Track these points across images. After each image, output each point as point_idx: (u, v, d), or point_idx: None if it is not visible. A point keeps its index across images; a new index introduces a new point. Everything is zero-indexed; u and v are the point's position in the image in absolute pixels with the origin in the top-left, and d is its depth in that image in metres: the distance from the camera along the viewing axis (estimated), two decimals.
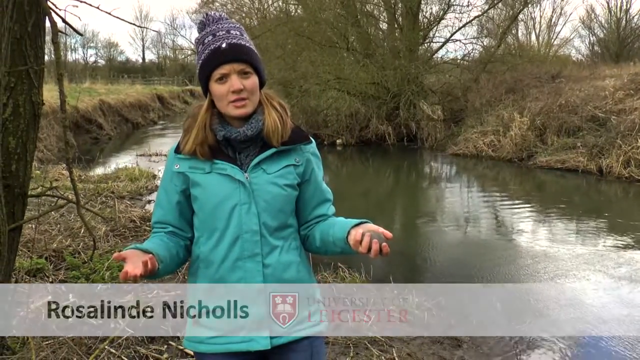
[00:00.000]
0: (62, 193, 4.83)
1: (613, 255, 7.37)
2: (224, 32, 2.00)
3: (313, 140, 2.16)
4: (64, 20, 3.03)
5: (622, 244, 7.89)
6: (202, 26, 2.06)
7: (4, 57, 2.42)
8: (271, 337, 1.99)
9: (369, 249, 1.80)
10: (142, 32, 74.26)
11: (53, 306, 4.28)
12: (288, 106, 2.13)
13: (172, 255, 2.02)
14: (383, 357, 4.17)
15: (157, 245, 1.98)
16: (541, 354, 4.76)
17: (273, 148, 2.02)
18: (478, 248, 8.00)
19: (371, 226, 1.88)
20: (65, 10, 3.21)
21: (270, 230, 2.01)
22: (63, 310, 4.31)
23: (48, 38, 3.11)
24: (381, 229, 1.84)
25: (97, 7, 3.39)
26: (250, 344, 1.98)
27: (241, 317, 1.98)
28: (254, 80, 2.00)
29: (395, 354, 4.25)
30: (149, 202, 10.28)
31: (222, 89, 1.97)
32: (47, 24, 3.00)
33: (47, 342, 3.35)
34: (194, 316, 2.03)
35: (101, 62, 74.32)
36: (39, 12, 2.90)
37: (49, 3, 2.89)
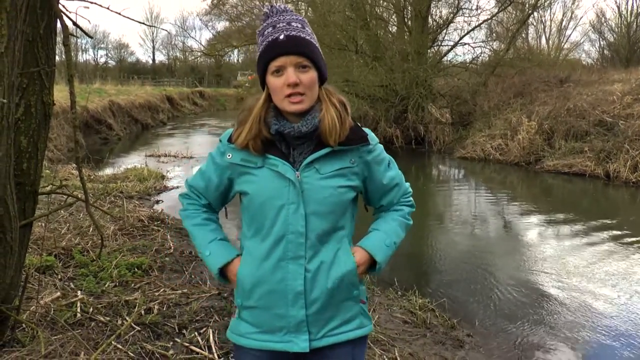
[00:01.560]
0: (72, 192, 4.91)
1: (619, 260, 7.38)
2: (284, 24, 1.93)
3: (373, 135, 2.07)
4: (74, 23, 3.11)
5: (629, 249, 7.90)
6: (265, 17, 2.00)
7: (17, 59, 2.49)
8: (310, 340, 1.97)
9: None
10: (153, 33, 74.71)
11: (62, 302, 4.38)
12: (349, 103, 2.06)
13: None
14: (385, 357, 4.21)
15: (230, 243, 2.10)
16: (544, 355, 4.79)
17: (328, 147, 1.95)
18: (484, 251, 8.03)
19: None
20: (76, 13, 3.29)
21: (317, 233, 1.95)
22: (71, 306, 4.41)
23: (59, 39, 3.19)
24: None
25: (107, 8, 3.48)
26: (288, 345, 1.97)
27: (279, 318, 1.96)
28: (311, 74, 1.92)
29: (397, 354, 4.30)
30: (157, 202, 10.38)
31: (277, 82, 1.90)
32: (58, 25, 3.09)
33: (55, 337, 3.43)
34: (236, 309, 2.06)
35: (112, 62, 74.84)
36: (50, 15, 2.98)
37: (60, 6, 2.98)
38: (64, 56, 3.05)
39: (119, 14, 3.55)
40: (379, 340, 4.51)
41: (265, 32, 1.95)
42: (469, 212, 10.97)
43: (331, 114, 1.94)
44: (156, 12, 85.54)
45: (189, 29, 65.88)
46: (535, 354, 4.81)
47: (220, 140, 2.07)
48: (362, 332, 2.06)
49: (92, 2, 3.40)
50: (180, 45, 69.13)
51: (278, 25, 1.93)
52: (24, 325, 3.57)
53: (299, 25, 1.94)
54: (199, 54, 40.85)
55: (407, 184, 2.21)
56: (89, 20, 3.54)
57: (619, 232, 8.82)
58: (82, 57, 71.92)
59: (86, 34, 3.28)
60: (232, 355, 4.06)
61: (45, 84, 3.05)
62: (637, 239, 8.39)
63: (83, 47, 69.96)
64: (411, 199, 2.22)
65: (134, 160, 15.65)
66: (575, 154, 14.69)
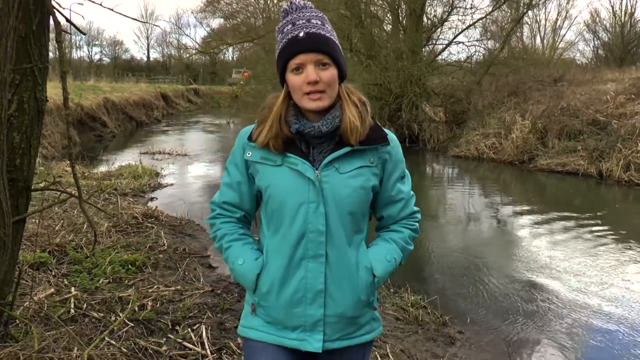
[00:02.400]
0: (65, 188, 4.92)
1: (610, 258, 7.43)
2: (304, 21, 1.91)
3: (393, 137, 2.06)
4: (67, 20, 3.12)
5: (619, 247, 7.96)
6: (284, 14, 1.98)
7: (10, 56, 2.51)
8: (324, 341, 1.96)
9: None
10: (147, 30, 74.61)
11: (56, 298, 4.40)
12: (369, 102, 2.03)
13: None
14: (377, 353, 4.24)
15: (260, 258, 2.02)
16: (532, 352, 4.83)
17: (348, 147, 1.93)
18: (476, 250, 8.06)
19: None
20: (70, 9, 3.30)
21: (337, 232, 1.94)
22: (65, 303, 4.43)
23: (52, 36, 3.21)
24: None
25: (100, 4, 3.49)
26: (302, 343, 1.96)
27: (296, 316, 1.96)
28: (332, 72, 1.90)
29: (389, 350, 4.33)
30: (151, 199, 10.39)
31: (297, 80, 1.89)
32: (51, 22, 3.10)
33: (49, 333, 3.44)
34: (252, 306, 2.04)
35: (106, 60, 74.65)
36: (43, 11, 2.99)
37: (53, 2, 2.99)
38: (57, 52, 3.06)
39: (112, 10, 3.56)
40: None
41: (285, 30, 1.93)
42: (462, 210, 11.02)
43: (352, 113, 1.92)
44: (151, 9, 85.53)
45: (183, 26, 65.77)
46: (525, 350, 4.86)
47: (240, 138, 2.06)
48: (373, 336, 2.09)
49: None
50: (175, 42, 69.16)
51: (298, 23, 1.91)
52: (17, 321, 3.59)
53: (319, 22, 1.92)
54: (194, 51, 40.86)
55: (417, 208, 2.17)
56: (82, 17, 3.54)
57: (611, 231, 8.87)
58: (76, 54, 71.76)
59: (79, 30, 3.30)
60: (224, 351, 4.09)
61: (38, 80, 3.07)
62: (628, 237, 8.45)
63: (77, 44, 69.72)
64: (417, 224, 2.17)
65: (128, 158, 15.64)
66: (568, 153, 14.77)
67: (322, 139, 1.95)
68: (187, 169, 14.57)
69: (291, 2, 1.97)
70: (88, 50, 76.57)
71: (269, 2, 33.22)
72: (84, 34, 3.23)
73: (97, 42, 73.95)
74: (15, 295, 3.25)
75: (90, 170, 12.96)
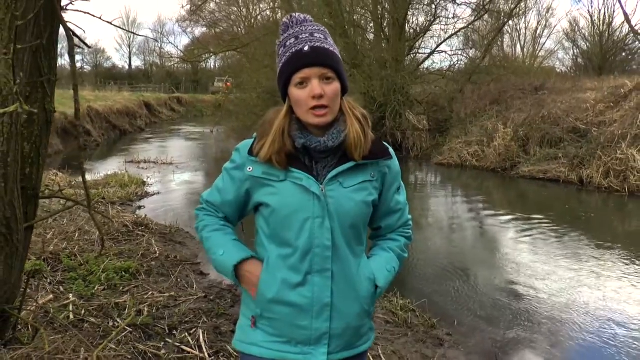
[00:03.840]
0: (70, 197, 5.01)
1: (590, 262, 7.64)
2: (307, 35, 1.91)
3: (393, 152, 2.08)
4: (75, 35, 3.24)
5: (599, 251, 8.16)
6: (285, 28, 1.97)
7: (25, 70, 2.63)
8: (329, 353, 1.96)
9: None
10: (129, 38, 74.34)
11: (55, 304, 4.49)
12: (370, 117, 2.04)
13: None
14: (370, 354, 4.37)
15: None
16: (518, 352, 4.99)
17: (352, 161, 1.94)
18: (461, 255, 8.24)
19: None
20: (73, 23, 3.41)
21: (341, 246, 1.94)
22: (64, 309, 4.52)
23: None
24: None
25: (90, 14, 3.60)
26: (306, 357, 1.96)
27: (302, 330, 1.95)
28: (336, 86, 1.90)
29: (380, 352, 4.47)
30: (139, 207, 10.47)
31: (302, 95, 1.88)
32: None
33: (54, 337, 3.54)
34: (252, 319, 2.02)
35: (87, 68, 74.22)
36: (53, 26, 3.12)
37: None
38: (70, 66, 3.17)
39: (100, 18, 3.66)
40: None
41: (288, 43, 1.92)
42: (446, 217, 11.20)
43: (356, 129, 1.92)
44: (133, 17, 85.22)
45: (167, 34, 65.67)
46: (512, 351, 5.01)
47: (239, 152, 2.04)
48: (369, 345, 2.13)
49: (85, 13, 3.53)
50: (158, 50, 69.03)
51: (301, 37, 1.90)
52: (19, 326, 3.69)
53: (322, 37, 1.93)
54: (177, 60, 40.79)
55: (410, 216, 2.23)
56: (84, 30, 3.66)
57: (591, 236, 9.10)
58: (59, 62, 71.27)
59: (85, 44, 3.42)
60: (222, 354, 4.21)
61: (47, 92, 3.18)
62: (608, 242, 8.66)
63: (60, 52, 69.37)
64: (411, 231, 2.23)
65: (113, 167, 15.66)
66: (549, 160, 15.02)
67: (326, 154, 1.95)
68: (173, 177, 14.62)
69: (291, 16, 1.97)
70: (69, 58, 75.96)
71: (251, 10, 33.45)
72: (89, 47, 3.35)
73: (79, 50, 73.68)
74: (24, 299, 3.36)
75: (76, 179, 12.98)
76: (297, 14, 1.99)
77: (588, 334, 5.38)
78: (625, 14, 13.60)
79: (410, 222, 2.24)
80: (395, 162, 2.09)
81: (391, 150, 2.07)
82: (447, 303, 6.15)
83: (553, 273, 7.18)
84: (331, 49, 1.92)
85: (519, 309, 5.98)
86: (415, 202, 13.32)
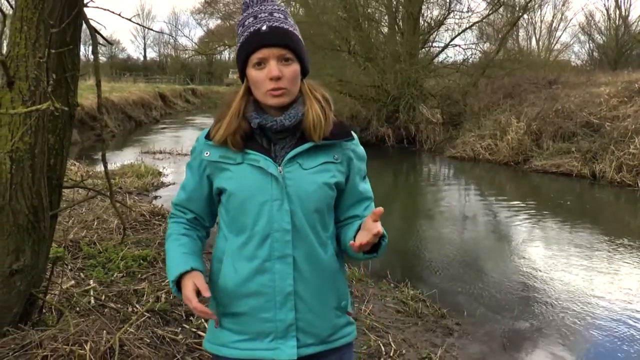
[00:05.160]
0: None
1: (602, 257, 7.70)
2: (266, 15, 1.83)
3: (356, 136, 2.00)
4: (97, 32, 3.39)
5: (611, 246, 8.21)
6: (245, 7, 1.90)
7: (52, 67, 2.77)
8: (298, 347, 1.86)
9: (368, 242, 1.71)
10: (144, 30, 74.68)
11: (76, 289, 4.66)
12: (331, 99, 1.97)
13: (201, 256, 1.98)
14: (379, 342, 4.50)
15: (201, 260, 1.93)
16: (526, 343, 5.09)
17: (311, 142, 1.86)
18: (472, 247, 8.34)
19: (370, 227, 1.71)
20: (96, 20, 3.55)
21: (304, 231, 1.84)
22: (85, 294, 4.69)
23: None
24: (375, 230, 1.68)
25: (109, 10, 3.74)
26: (275, 352, 1.85)
27: (266, 323, 1.86)
28: (294, 68, 1.83)
29: (391, 339, 4.59)
30: (156, 197, 10.64)
31: (259, 75, 1.81)
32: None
33: (75, 321, 3.70)
34: (216, 319, 1.92)
35: (102, 59, 74.64)
36: (76, 24, 3.26)
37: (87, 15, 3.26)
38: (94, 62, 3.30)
39: (119, 15, 3.79)
40: (374, 327, 4.81)
41: (246, 23, 1.86)
42: (458, 209, 11.28)
43: (315, 109, 1.86)
44: (148, 9, 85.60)
45: (181, 26, 65.95)
46: (520, 341, 5.12)
47: (197, 140, 1.99)
48: (348, 340, 2.00)
49: (106, 9, 3.67)
50: (173, 42, 69.30)
51: (260, 16, 1.83)
52: (44, 310, 3.85)
53: (282, 16, 1.86)
54: (192, 52, 40.98)
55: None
56: (104, 27, 3.80)
57: (603, 230, 9.14)
58: None
59: (107, 40, 3.56)
60: None
61: (70, 87, 3.33)
62: (620, 237, 8.70)
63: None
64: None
65: (129, 157, 15.85)
66: (562, 154, 15.01)
67: (283, 134, 1.88)
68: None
69: None
70: (84, 50, 76.72)
71: None
72: (111, 44, 3.49)
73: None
74: (49, 284, 3.52)
75: (93, 169, 13.18)
76: None
77: (599, 329, 5.41)
78: None
79: None
80: (360, 147, 2.02)
81: (354, 132, 2.01)
82: (458, 294, 6.26)
83: (565, 267, 7.24)
84: (291, 29, 1.85)
85: (530, 301, 6.07)
86: (428, 194, 13.44)
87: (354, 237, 1.82)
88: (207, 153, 1.91)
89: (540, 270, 7.04)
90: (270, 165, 1.82)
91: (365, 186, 2.03)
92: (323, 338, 1.91)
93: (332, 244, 1.94)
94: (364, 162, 2.03)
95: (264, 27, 1.80)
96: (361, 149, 2.02)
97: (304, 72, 1.91)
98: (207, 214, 2.03)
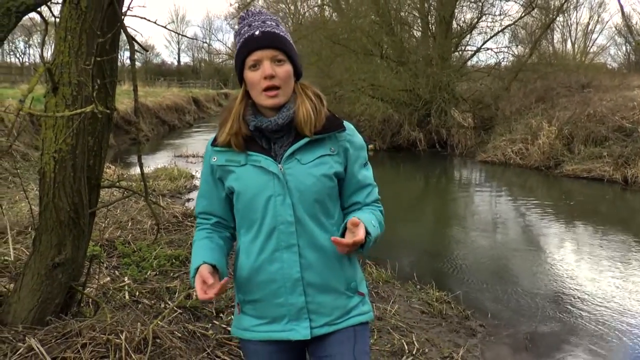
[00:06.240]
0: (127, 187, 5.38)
1: (633, 262, 7.67)
2: (259, 22, 1.99)
3: (350, 126, 2.11)
4: (134, 39, 3.57)
5: None
6: (241, 20, 2.06)
7: (94, 73, 2.95)
8: (312, 328, 2.02)
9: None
10: (178, 35, 75.67)
11: (112, 285, 4.87)
12: (324, 96, 2.11)
13: (226, 255, 2.13)
14: (403, 341, 4.62)
15: (219, 255, 2.05)
16: (550, 346, 5.12)
17: (306, 137, 1.99)
18: (500, 251, 8.37)
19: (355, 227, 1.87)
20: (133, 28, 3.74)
21: (305, 221, 1.99)
22: (120, 290, 4.89)
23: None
24: (357, 236, 1.84)
25: (146, 19, 3.92)
26: (290, 333, 2.02)
27: (281, 307, 2.02)
28: (287, 68, 1.98)
29: (414, 339, 4.70)
30: (189, 200, 10.87)
31: (254, 76, 1.96)
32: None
33: (111, 314, 3.89)
34: (238, 305, 2.13)
35: (137, 64, 75.60)
36: (115, 32, 3.45)
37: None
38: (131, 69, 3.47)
39: (155, 22, 3.97)
40: (398, 327, 4.93)
41: (242, 31, 2.01)
42: (488, 214, 11.29)
43: (306, 106, 2.00)
44: (182, 14, 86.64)
45: (215, 30, 66.66)
46: (543, 345, 5.15)
47: (206, 148, 2.16)
48: (361, 319, 2.11)
49: (142, 18, 3.85)
50: (206, 47, 70.06)
51: (254, 24, 1.99)
52: (82, 303, 4.05)
53: (274, 24, 2.01)
54: (226, 56, 41.39)
55: (379, 197, 2.22)
56: (141, 34, 3.99)
57: (634, 237, 9.05)
58: None
59: (142, 47, 3.74)
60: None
61: (109, 92, 3.53)
62: None
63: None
64: (382, 208, 2.19)
65: (162, 160, 16.15)
66: (594, 159, 14.88)
67: (280, 133, 2.02)
68: None
69: (247, 10, 2.08)
70: (120, 55, 77.82)
71: (299, 7, 33.79)
72: (146, 50, 3.67)
73: (128, 47, 75.00)
74: (87, 278, 3.72)
75: (128, 171, 13.49)
76: (253, 7, 2.18)
77: (629, 338, 5.35)
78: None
79: (380, 203, 2.20)
80: (357, 137, 2.13)
81: (349, 125, 2.12)
82: (483, 297, 6.32)
83: (595, 273, 7.21)
84: (282, 34, 2.00)
85: (556, 306, 6.05)
86: (459, 198, 13.46)
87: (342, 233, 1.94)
88: (214, 158, 2.08)
89: (568, 276, 7.04)
90: (270, 164, 1.98)
91: (366, 173, 2.15)
92: (335, 318, 2.06)
93: (338, 230, 2.03)
94: (363, 150, 2.15)
95: (257, 32, 1.96)
96: (358, 138, 2.14)
97: (297, 74, 2.06)
98: (229, 214, 2.17)
